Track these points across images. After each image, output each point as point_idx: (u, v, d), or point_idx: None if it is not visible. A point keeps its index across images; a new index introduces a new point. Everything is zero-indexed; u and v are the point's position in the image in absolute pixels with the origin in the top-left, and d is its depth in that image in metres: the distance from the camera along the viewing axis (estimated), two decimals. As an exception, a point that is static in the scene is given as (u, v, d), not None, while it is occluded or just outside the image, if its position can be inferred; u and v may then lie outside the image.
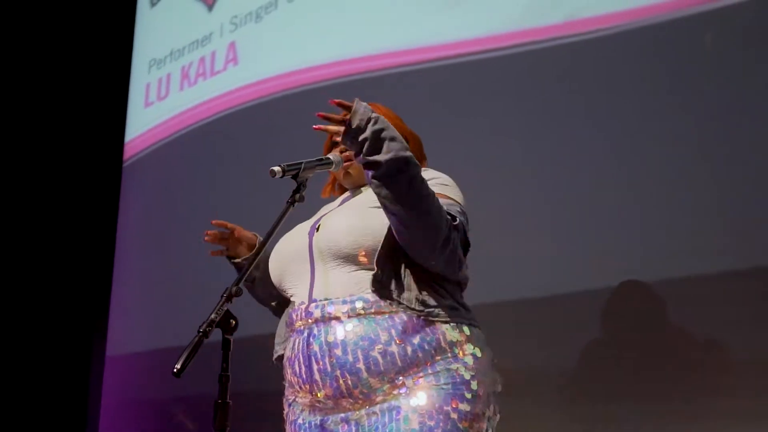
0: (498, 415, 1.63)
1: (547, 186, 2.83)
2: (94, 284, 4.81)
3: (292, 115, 3.83)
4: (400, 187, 1.52)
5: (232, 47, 4.36)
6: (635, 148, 2.64)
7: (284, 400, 1.76)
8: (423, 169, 1.76)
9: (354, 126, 1.53)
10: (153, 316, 4.30)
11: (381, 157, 1.51)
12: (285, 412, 1.75)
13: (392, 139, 1.53)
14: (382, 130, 1.53)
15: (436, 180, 1.73)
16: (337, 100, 1.57)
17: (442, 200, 1.62)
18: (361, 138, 1.53)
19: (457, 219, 1.62)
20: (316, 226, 1.72)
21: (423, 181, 1.56)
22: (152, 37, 4.99)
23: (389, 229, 1.60)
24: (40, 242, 4.91)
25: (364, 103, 1.56)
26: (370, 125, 1.53)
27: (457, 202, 1.70)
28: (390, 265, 1.60)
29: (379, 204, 1.61)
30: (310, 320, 1.64)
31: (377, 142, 1.52)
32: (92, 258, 4.89)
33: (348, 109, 1.55)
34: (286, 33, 4.06)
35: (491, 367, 1.64)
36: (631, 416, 2.46)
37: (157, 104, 4.77)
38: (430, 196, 1.56)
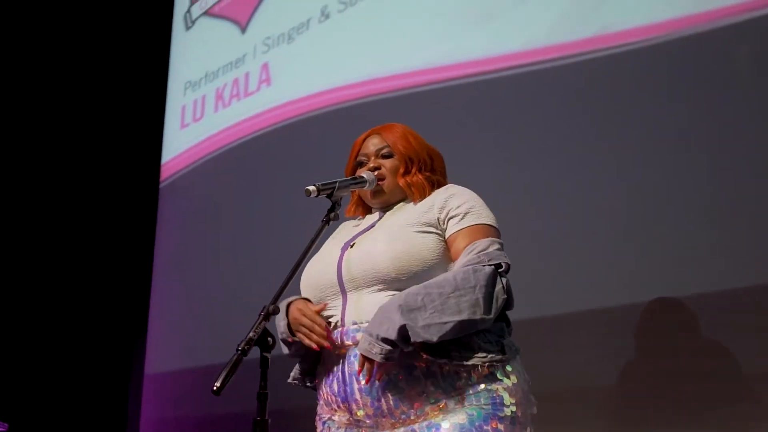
0: None
1: (583, 200, 2.81)
2: (132, 303, 4.89)
3: (326, 134, 3.87)
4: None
5: (265, 68, 4.43)
6: (672, 161, 2.62)
7: (317, 418, 1.77)
8: (445, 187, 1.81)
9: (376, 352, 1.53)
10: (190, 334, 4.34)
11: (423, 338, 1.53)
12: (318, 430, 1.76)
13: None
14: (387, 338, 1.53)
15: (467, 206, 1.72)
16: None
17: (479, 245, 1.64)
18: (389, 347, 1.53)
19: (502, 263, 1.63)
20: (350, 245, 1.74)
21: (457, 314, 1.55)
22: (187, 60, 5.08)
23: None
24: (80, 263, 5.01)
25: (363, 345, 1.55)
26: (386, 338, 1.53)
27: (491, 231, 1.71)
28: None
29: (422, 227, 1.68)
30: (348, 342, 1.65)
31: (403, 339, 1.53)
32: (131, 278, 4.97)
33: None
34: (318, 53, 4.11)
35: (528, 389, 1.65)
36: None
37: (193, 125, 4.85)
38: (464, 316, 1.55)
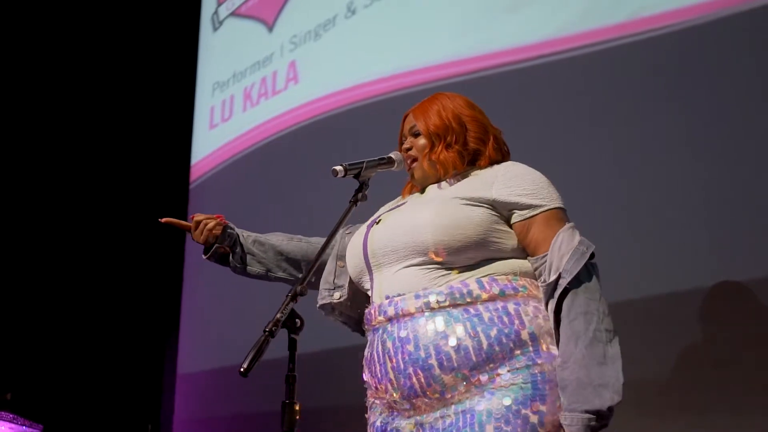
0: None
1: (621, 185, 2.74)
2: (164, 303, 4.90)
3: (354, 129, 3.84)
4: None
5: (292, 66, 4.42)
6: (709, 145, 2.54)
7: (366, 402, 1.72)
8: (510, 163, 1.73)
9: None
10: (222, 333, 4.34)
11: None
12: (367, 415, 1.71)
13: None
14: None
15: (536, 190, 1.63)
16: None
17: (563, 235, 1.58)
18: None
19: (593, 252, 1.58)
20: (376, 222, 1.70)
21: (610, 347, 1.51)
22: (215, 61, 5.10)
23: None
24: (112, 265, 5.04)
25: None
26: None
27: (564, 215, 1.64)
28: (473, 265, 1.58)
29: (470, 201, 1.61)
30: (383, 318, 1.60)
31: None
32: (162, 278, 4.99)
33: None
34: (345, 49, 4.09)
35: None
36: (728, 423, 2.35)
37: (222, 126, 4.86)
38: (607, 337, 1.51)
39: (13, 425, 3.38)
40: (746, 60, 2.51)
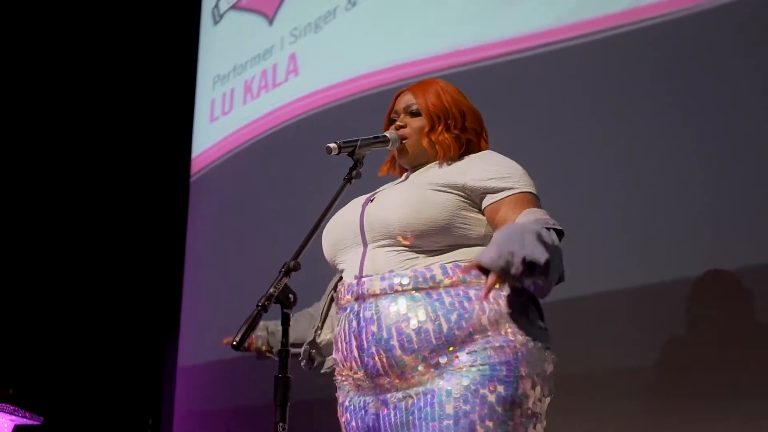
0: (549, 397, 1.54)
1: (618, 178, 2.74)
2: (165, 296, 4.91)
3: (355, 120, 3.83)
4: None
5: (292, 58, 4.42)
6: (707, 135, 2.54)
7: (335, 381, 1.73)
8: (486, 152, 1.73)
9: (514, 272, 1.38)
10: (222, 326, 4.32)
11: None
12: (336, 394, 1.72)
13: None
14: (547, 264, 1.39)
15: (508, 175, 1.62)
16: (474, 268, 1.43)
17: (535, 212, 1.55)
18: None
19: (562, 230, 1.55)
20: (370, 199, 1.70)
21: (556, 253, 1.44)
22: (216, 54, 5.10)
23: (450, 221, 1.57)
24: (112, 258, 5.05)
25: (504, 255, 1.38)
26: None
27: (537, 201, 1.62)
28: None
29: (441, 186, 1.60)
30: (351, 297, 1.62)
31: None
32: (163, 271, 4.99)
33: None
34: (345, 41, 4.09)
35: (540, 344, 1.54)
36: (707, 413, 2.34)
37: (222, 119, 4.86)
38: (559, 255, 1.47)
39: (13, 417, 3.39)
40: (744, 48, 2.51)
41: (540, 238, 1.41)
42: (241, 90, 4.75)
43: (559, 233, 1.53)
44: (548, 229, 1.49)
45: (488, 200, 1.62)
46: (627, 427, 2.52)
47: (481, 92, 3.26)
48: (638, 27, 2.80)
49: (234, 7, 4.99)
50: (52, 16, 5.18)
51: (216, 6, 5.15)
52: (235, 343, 1.31)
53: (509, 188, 1.61)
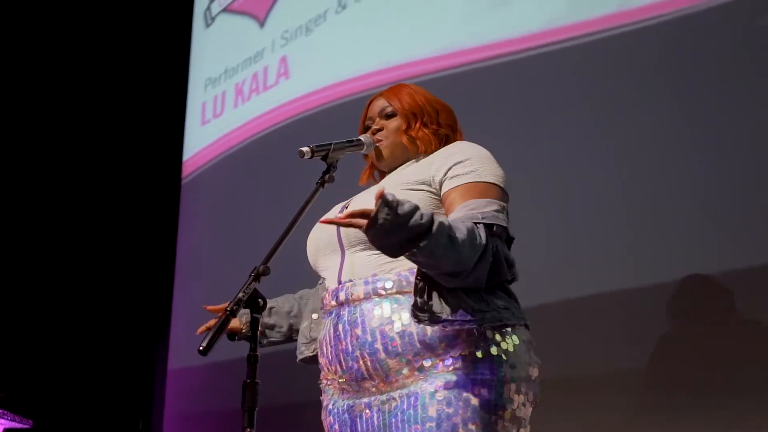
0: (533, 403, 1.53)
1: (612, 179, 2.73)
2: (155, 299, 4.90)
3: (345, 123, 3.81)
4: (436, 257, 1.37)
5: (283, 61, 4.42)
6: (702, 135, 2.53)
7: (320, 384, 1.73)
8: (454, 143, 1.72)
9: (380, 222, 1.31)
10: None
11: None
12: (321, 397, 1.72)
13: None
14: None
15: (469, 164, 1.58)
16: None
17: (474, 203, 1.49)
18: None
19: (494, 226, 1.47)
20: (346, 205, 1.70)
21: (446, 232, 1.36)
22: (207, 57, 5.10)
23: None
24: (103, 260, 5.04)
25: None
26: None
27: (492, 190, 1.55)
28: (426, 282, 1.47)
29: (413, 184, 1.59)
30: (335, 302, 1.62)
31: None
32: (153, 274, 4.98)
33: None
34: (336, 44, 4.09)
35: (526, 349, 1.53)
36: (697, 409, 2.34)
37: (214, 122, 4.86)
38: (456, 241, 1.37)
39: (3, 420, 3.38)
40: (739, 49, 2.50)
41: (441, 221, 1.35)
42: (232, 93, 4.75)
43: (495, 228, 1.47)
44: (476, 223, 1.44)
45: (443, 188, 1.59)
46: (620, 427, 2.51)
47: (474, 93, 3.29)
48: (633, 29, 2.79)
49: (226, 9, 4.99)
50: (45, 18, 5.18)
51: (208, 8, 5.15)
52: (201, 348, 1.30)
53: (467, 173, 1.56)
